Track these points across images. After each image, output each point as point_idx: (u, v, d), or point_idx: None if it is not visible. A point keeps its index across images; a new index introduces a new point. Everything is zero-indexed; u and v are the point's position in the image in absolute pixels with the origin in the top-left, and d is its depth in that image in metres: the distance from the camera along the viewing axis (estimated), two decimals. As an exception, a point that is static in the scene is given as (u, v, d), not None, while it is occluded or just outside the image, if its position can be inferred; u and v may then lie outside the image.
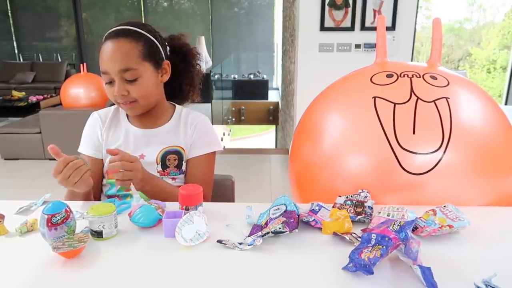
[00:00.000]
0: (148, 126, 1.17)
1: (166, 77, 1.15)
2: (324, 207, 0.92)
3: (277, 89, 8.34)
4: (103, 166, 1.18)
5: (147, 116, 1.16)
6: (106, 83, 1.08)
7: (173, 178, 1.16)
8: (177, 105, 1.24)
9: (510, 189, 1.02)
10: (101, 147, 1.17)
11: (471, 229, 0.82)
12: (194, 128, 1.18)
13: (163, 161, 1.15)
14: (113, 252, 0.78)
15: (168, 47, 1.17)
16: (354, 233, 0.82)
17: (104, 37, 1.07)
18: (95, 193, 1.16)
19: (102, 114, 1.20)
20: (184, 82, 1.23)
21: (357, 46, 3.16)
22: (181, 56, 1.20)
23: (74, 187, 0.93)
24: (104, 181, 1.18)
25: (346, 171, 1.04)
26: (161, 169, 1.15)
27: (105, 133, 1.17)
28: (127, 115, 1.20)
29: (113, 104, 1.16)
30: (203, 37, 6.61)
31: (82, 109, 3.84)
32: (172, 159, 1.15)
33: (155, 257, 0.75)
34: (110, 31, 1.07)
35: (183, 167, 1.17)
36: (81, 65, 4.11)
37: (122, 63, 1.03)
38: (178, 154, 1.16)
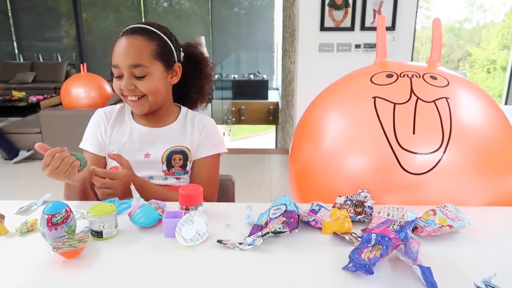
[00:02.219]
0: (154, 125, 1.18)
1: (176, 79, 1.16)
2: (324, 207, 0.92)
3: (277, 89, 8.34)
4: (105, 164, 1.18)
5: (153, 115, 1.16)
6: (115, 77, 1.09)
7: (177, 178, 1.16)
8: (182, 107, 1.25)
9: (510, 189, 1.02)
10: (104, 145, 1.17)
11: (471, 229, 0.82)
12: (201, 129, 1.19)
13: (169, 161, 1.15)
14: (113, 252, 0.78)
15: (182, 52, 1.18)
16: (354, 233, 0.82)
17: (120, 33, 1.09)
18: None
19: (107, 111, 1.21)
20: (193, 90, 1.24)
21: (357, 46, 3.17)
22: (194, 64, 1.21)
23: (65, 179, 0.94)
24: None
25: (346, 171, 1.04)
26: (166, 168, 1.15)
27: (110, 131, 1.17)
28: (132, 113, 1.20)
29: (115, 103, 1.17)
30: (203, 37, 6.61)
31: (82, 109, 3.83)
32: (177, 159, 1.15)
33: (155, 257, 0.75)
34: (127, 27, 1.09)
35: (188, 167, 1.18)
36: (81, 65, 4.11)
37: (133, 59, 1.05)
38: (184, 154, 1.16)
